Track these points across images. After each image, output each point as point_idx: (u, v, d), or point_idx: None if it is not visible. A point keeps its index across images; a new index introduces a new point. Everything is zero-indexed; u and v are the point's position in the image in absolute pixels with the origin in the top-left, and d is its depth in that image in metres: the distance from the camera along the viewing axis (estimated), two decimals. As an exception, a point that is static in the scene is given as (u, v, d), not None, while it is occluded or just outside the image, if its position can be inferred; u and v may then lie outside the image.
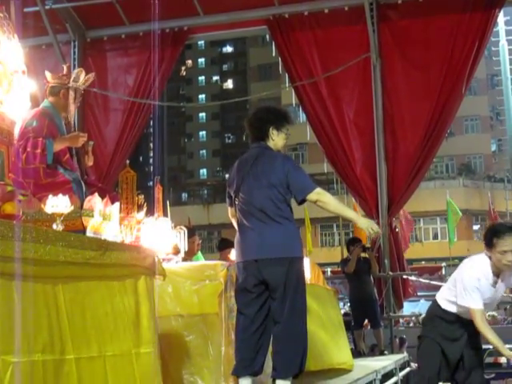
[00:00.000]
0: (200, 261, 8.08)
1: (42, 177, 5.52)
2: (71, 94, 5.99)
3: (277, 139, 5.06)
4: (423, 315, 15.30)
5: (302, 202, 4.90)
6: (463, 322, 5.53)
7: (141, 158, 61.25)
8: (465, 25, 10.66)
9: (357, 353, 10.43)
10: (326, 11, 11.37)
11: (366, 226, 4.89)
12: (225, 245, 9.00)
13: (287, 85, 12.05)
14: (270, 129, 5.04)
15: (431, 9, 10.92)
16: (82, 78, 6.06)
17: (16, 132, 5.11)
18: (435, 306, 5.81)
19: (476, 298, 5.30)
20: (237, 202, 5.00)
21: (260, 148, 5.05)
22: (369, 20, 10.95)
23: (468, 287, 5.35)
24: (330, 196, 4.92)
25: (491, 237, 5.31)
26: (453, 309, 5.60)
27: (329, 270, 26.04)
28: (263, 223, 4.82)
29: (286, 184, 4.84)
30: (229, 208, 5.19)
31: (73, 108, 6.09)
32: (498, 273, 5.35)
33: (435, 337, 5.69)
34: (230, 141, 71.89)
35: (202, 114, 72.36)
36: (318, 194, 4.82)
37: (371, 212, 11.12)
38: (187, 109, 70.73)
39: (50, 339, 3.01)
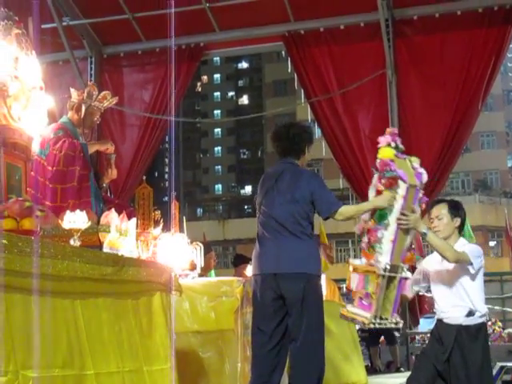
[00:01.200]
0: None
1: (76, 180, 5.54)
2: (82, 109, 6.03)
3: (306, 156, 5.20)
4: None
5: (326, 218, 4.95)
6: (448, 329, 5.13)
7: (156, 174, 61.43)
8: (481, 41, 10.60)
9: (373, 370, 10.37)
10: (342, 27, 11.34)
11: (384, 201, 4.64)
12: (240, 261, 8.99)
13: (303, 101, 12.00)
14: (306, 146, 5.17)
15: (447, 25, 10.87)
16: (95, 95, 6.08)
17: (34, 148, 5.15)
18: None
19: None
20: (258, 215, 5.03)
21: (287, 164, 5.11)
22: (384, 36, 10.93)
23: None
24: (349, 209, 4.94)
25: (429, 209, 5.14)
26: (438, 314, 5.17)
27: (344, 285, 25.86)
28: (283, 237, 4.83)
29: (310, 201, 4.87)
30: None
31: (87, 125, 6.10)
32: None
33: (426, 350, 5.40)
34: (245, 156, 71.93)
35: (218, 130, 72.53)
36: (341, 215, 4.86)
37: (387, 228, 11.05)
38: (203, 124, 70.95)
39: (70, 354, 3.01)
